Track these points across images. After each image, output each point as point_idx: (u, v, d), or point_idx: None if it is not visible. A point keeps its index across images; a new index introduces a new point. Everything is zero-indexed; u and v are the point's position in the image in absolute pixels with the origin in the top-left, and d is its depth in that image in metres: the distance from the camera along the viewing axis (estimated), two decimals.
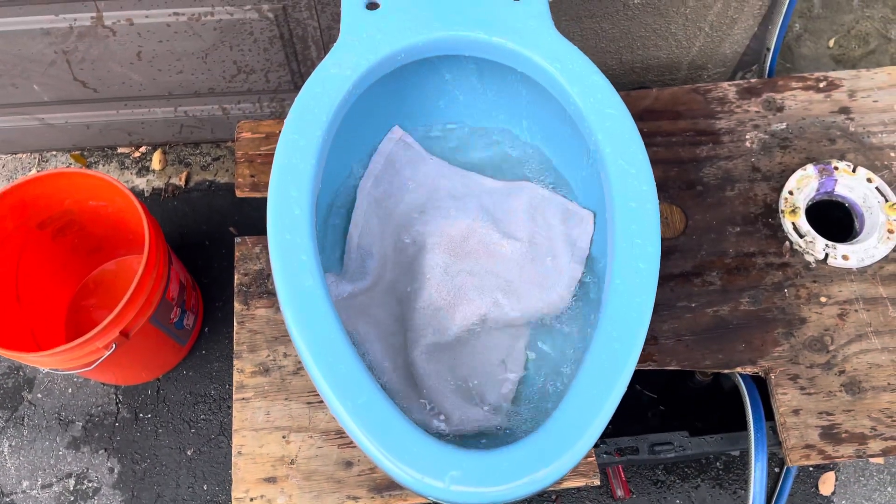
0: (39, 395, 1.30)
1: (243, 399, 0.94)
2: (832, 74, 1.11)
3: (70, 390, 1.30)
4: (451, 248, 0.87)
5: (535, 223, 0.89)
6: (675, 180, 1.05)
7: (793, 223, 1.01)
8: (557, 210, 0.90)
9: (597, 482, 0.89)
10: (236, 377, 0.95)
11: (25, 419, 1.28)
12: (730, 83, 1.11)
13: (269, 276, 1.00)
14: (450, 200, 0.91)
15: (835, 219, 1.06)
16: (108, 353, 1.05)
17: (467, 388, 0.81)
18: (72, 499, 1.22)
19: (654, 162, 1.06)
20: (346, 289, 0.85)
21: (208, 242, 1.40)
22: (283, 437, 0.92)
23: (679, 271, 1.00)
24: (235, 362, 0.96)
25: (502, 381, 0.82)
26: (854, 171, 1.03)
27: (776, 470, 1.23)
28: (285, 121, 0.68)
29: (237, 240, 1.03)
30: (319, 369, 0.59)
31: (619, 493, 1.20)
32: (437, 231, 0.87)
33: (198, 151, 1.48)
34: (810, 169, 1.03)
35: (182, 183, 1.45)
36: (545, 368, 0.84)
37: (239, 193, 1.05)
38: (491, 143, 0.97)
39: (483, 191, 0.93)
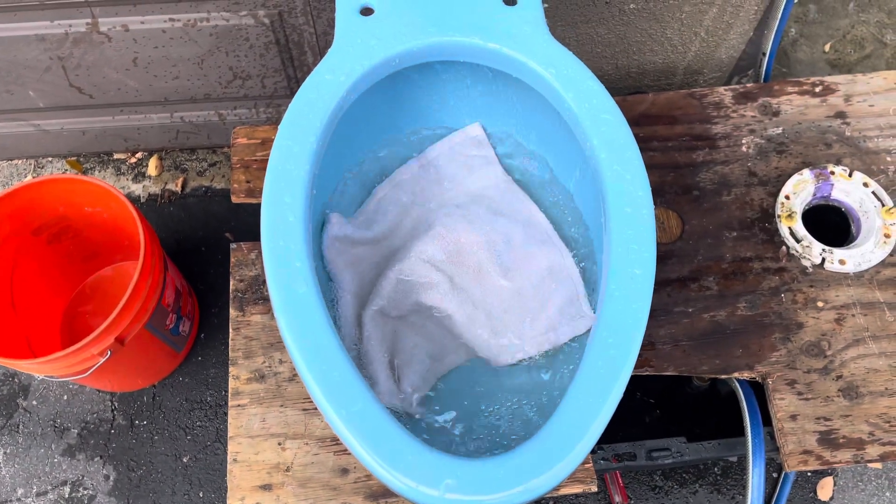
0: (34, 402, 1.29)
1: (238, 406, 0.93)
2: (828, 79, 1.11)
3: (65, 397, 1.29)
4: (449, 249, 0.87)
5: (540, 287, 0.87)
6: (672, 185, 1.05)
7: (789, 228, 1.01)
8: (566, 293, 0.86)
9: (594, 488, 0.88)
10: (231, 384, 0.94)
11: (20, 426, 1.27)
12: (726, 88, 1.11)
13: (265, 282, 1.00)
14: (485, 212, 0.90)
15: (831, 223, 1.06)
16: (102, 360, 1.04)
17: (392, 365, 0.82)
18: None
19: (651, 167, 1.06)
20: (347, 230, 0.86)
21: (204, 248, 1.40)
22: (279, 443, 0.91)
23: (676, 276, 1.00)
24: (231, 369, 0.95)
25: (420, 377, 0.82)
26: (850, 175, 1.03)
27: (774, 475, 1.22)
28: (279, 127, 0.68)
29: (232, 246, 1.02)
30: (313, 377, 0.58)
31: (617, 499, 1.19)
32: (450, 226, 0.87)
33: (194, 157, 1.48)
34: (806, 173, 1.03)
35: (178, 189, 1.45)
36: (480, 398, 0.83)
37: (235, 199, 1.04)
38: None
39: (522, 222, 0.90)
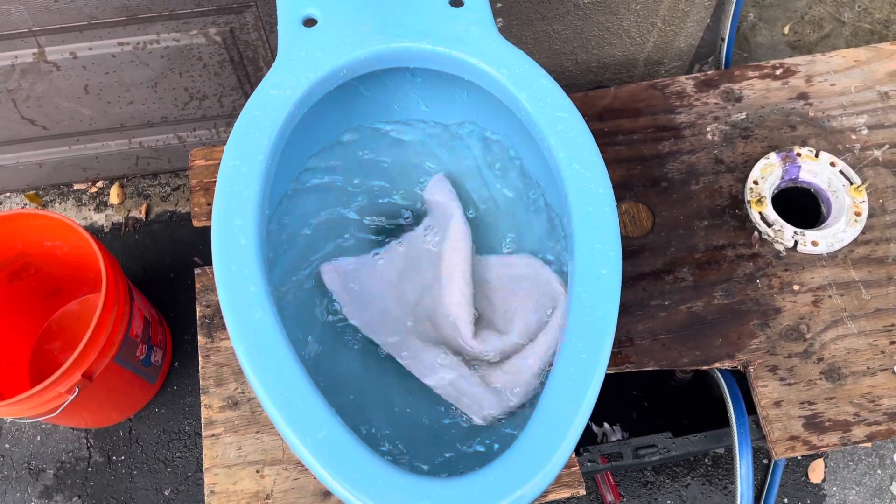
0: (7, 446, 1.25)
1: (213, 435, 0.91)
2: (788, 61, 1.10)
3: (39, 438, 1.26)
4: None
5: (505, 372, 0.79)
6: (640, 178, 1.04)
7: (760, 213, 1.00)
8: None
9: (582, 492, 0.87)
10: (204, 413, 0.92)
11: None
12: (687, 77, 1.10)
13: None
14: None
15: (802, 205, 1.05)
16: (71, 398, 1.01)
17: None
18: None
19: (618, 161, 1.05)
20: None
21: (173, 275, 1.37)
22: (257, 471, 0.89)
23: (650, 269, 0.98)
24: (202, 398, 0.92)
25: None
26: (817, 156, 1.02)
27: (765, 462, 1.21)
28: (225, 148, 0.65)
29: (197, 271, 1.00)
30: (275, 405, 0.56)
31: (609, 497, 1.18)
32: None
33: (156, 182, 1.45)
34: (773, 157, 1.02)
35: (142, 216, 1.42)
36: None
37: (196, 223, 1.02)
38: (442, 145, 0.94)
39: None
